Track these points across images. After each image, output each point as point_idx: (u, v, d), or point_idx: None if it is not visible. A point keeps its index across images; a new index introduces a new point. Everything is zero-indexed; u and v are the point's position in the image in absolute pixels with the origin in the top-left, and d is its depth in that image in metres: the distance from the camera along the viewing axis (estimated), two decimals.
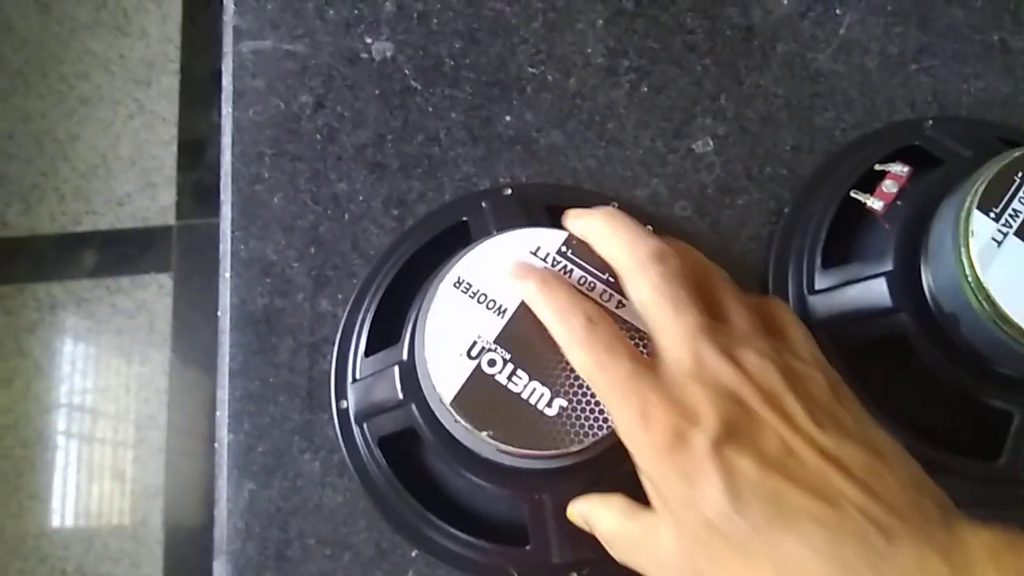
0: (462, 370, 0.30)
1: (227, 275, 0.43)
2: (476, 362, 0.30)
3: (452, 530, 0.37)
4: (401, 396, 0.35)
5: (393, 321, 0.38)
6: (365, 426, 0.38)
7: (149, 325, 1.33)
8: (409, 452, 0.39)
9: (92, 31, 1.46)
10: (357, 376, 0.39)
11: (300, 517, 0.39)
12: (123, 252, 1.36)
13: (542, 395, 0.30)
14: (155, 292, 1.34)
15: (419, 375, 0.33)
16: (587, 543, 0.33)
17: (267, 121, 0.45)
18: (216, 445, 0.41)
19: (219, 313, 0.43)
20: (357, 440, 0.39)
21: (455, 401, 0.30)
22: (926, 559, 0.22)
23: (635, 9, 0.47)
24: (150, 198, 1.38)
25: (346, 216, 0.43)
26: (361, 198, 0.44)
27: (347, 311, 0.41)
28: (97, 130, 1.41)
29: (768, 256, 0.42)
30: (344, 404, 0.39)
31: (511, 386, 0.30)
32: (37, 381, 1.34)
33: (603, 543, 0.30)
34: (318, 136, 0.45)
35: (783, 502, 0.24)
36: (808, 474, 0.24)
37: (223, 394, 0.41)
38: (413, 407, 0.34)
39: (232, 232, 0.43)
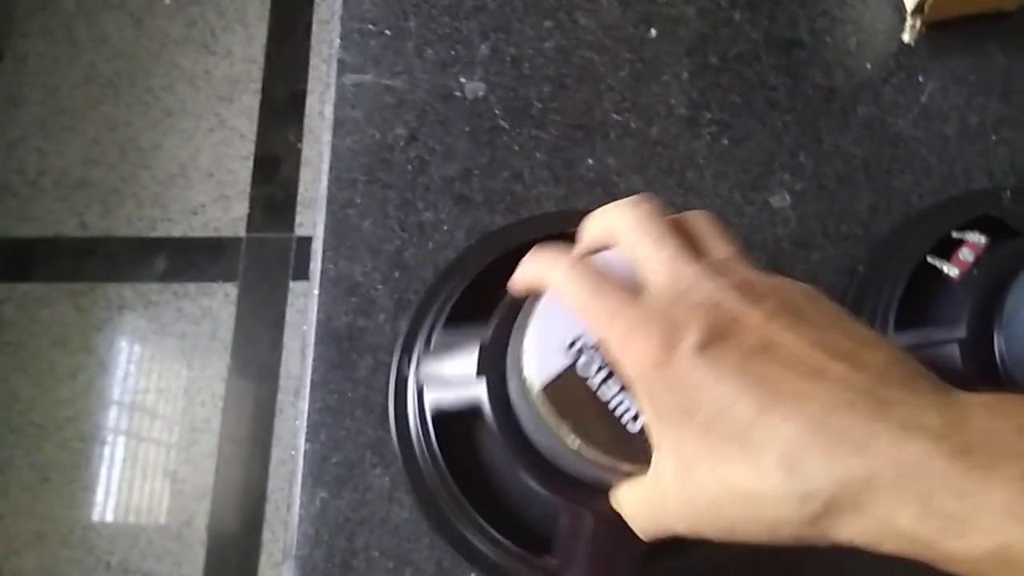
0: (558, 362, 0.30)
1: (315, 292, 0.45)
2: (574, 359, 0.31)
3: (498, 536, 0.37)
4: (475, 373, 0.35)
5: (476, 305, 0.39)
6: (424, 392, 0.39)
7: (212, 331, 1.38)
8: (466, 449, 0.39)
9: (181, 47, 1.53)
10: (431, 347, 0.40)
11: (367, 529, 0.41)
12: (193, 259, 1.42)
13: (628, 409, 0.30)
14: (220, 300, 1.39)
15: (509, 354, 0.33)
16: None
17: (363, 150, 0.47)
18: (292, 452, 0.43)
19: (305, 327, 0.45)
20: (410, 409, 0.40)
21: (543, 389, 0.30)
22: (918, 415, 0.23)
23: (720, 64, 0.49)
24: (223, 209, 1.43)
25: (430, 244, 0.45)
26: (445, 228, 0.46)
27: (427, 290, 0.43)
28: (178, 141, 1.47)
29: None
30: (410, 365, 0.41)
31: (600, 393, 0.30)
32: (100, 377, 1.39)
33: (633, 527, 0.30)
34: (409, 167, 0.47)
35: (772, 386, 0.24)
36: (793, 358, 0.25)
37: (303, 404, 0.43)
38: (485, 385, 0.34)
39: (323, 252, 0.45)
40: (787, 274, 0.44)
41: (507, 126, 0.48)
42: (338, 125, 0.48)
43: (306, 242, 1.41)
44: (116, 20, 1.56)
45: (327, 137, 0.48)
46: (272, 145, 1.46)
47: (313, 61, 1.51)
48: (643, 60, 0.49)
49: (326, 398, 0.43)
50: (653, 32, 0.49)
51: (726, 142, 0.47)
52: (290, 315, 1.37)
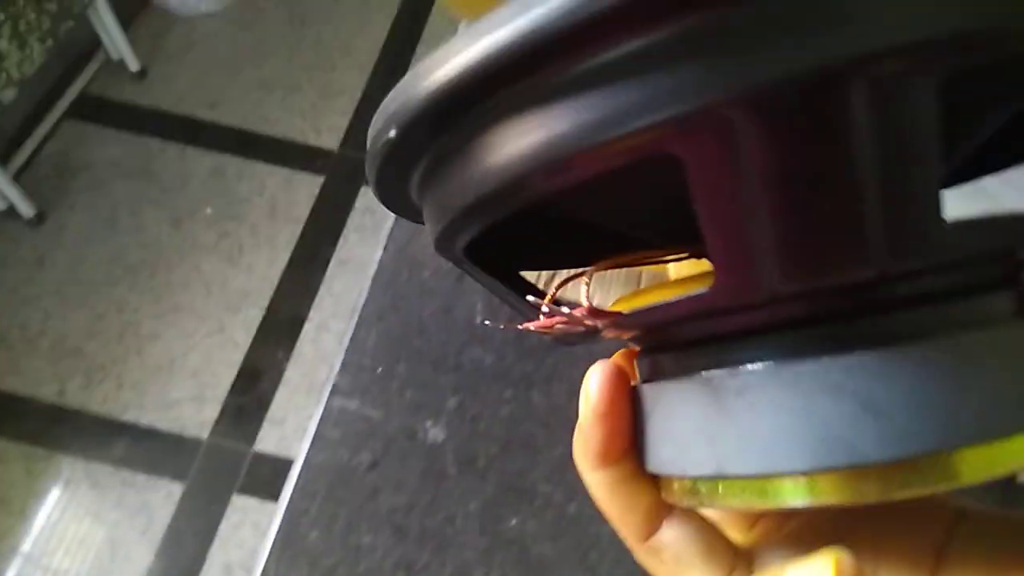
0: None
1: None
2: None
3: None
4: None
5: None
6: None
7: (144, 527, 1.39)
8: None
9: (208, 254, 1.68)
10: None
11: None
12: (150, 451, 1.46)
13: None
14: (162, 498, 1.41)
15: None
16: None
17: (330, 467, 0.56)
18: None
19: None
20: None
21: None
22: None
23: None
24: (195, 410, 1.50)
25: (361, 567, 0.53)
26: (378, 555, 0.53)
27: None
28: (177, 337, 1.57)
29: None
30: None
31: None
32: (24, 544, 1.38)
33: None
34: (364, 491, 0.55)
35: None
36: None
37: None
38: None
39: (268, 554, 0.52)
40: None
41: (454, 472, 0.57)
42: (316, 440, 0.57)
43: (261, 458, 1.46)
44: (157, 216, 1.73)
45: (304, 446, 0.57)
46: (260, 359, 1.56)
47: (320, 292, 1.65)
48: None
49: None
50: None
51: None
52: (223, 529, 1.39)
